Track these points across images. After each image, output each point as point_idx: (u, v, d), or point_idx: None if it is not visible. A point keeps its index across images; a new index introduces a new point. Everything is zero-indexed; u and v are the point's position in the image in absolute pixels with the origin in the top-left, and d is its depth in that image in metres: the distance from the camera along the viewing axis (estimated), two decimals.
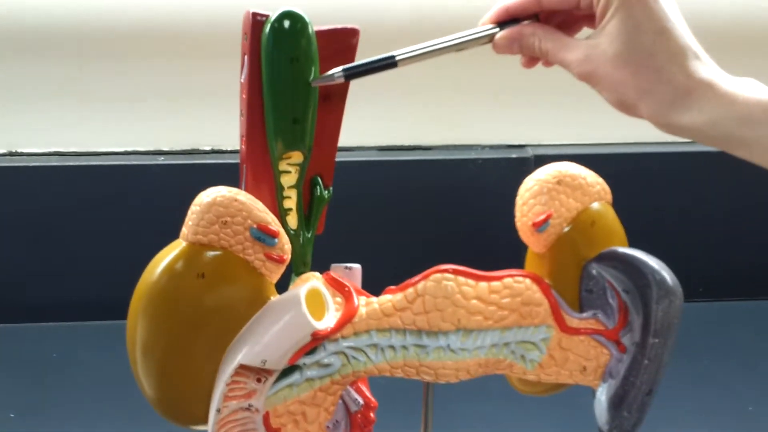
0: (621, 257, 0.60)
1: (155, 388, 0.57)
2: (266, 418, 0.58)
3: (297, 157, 0.60)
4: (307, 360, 0.57)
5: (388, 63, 0.57)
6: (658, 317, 0.58)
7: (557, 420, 1.03)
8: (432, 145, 1.15)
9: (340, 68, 0.57)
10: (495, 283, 0.58)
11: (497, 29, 0.58)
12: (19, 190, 1.12)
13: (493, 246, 1.13)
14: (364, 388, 0.61)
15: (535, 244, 0.62)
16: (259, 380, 0.57)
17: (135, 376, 0.57)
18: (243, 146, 0.59)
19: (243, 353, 0.55)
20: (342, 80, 0.57)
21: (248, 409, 0.57)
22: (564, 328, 0.60)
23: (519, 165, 1.11)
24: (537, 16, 0.58)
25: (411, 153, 1.14)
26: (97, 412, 1.04)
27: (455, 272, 0.58)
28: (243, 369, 0.56)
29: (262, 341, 0.56)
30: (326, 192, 0.62)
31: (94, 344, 1.16)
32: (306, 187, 0.61)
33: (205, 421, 0.58)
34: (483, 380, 0.60)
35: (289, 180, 0.60)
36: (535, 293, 0.59)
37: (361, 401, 0.60)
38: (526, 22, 0.58)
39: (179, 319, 0.55)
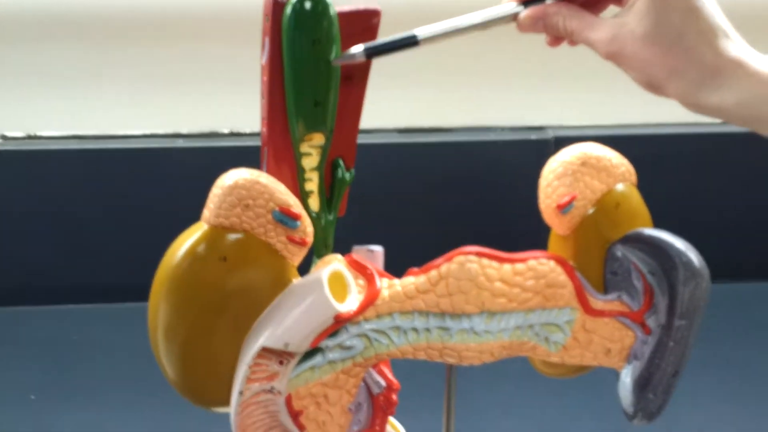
0: (647, 239, 0.59)
1: (178, 371, 0.57)
2: (288, 401, 0.57)
3: (318, 139, 0.59)
4: (330, 342, 0.57)
5: (410, 42, 0.57)
6: (685, 299, 0.58)
7: (579, 402, 1.02)
8: (452, 126, 1.14)
9: (361, 46, 0.57)
10: (519, 265, 0.58)
11: (521, 8, 0.57)
12: (37, 173, 1.13)
13: (513, 228, 1.13)
14: (386, 371, 0.61)
15: (558, 226, 0.61)
16: (281, 363, 0.56)
17: (157, 359, 0.57)
18: (264, 129, 0.59)
19: (265, 336, 0.55)
20: (363, 59, 0.57)
21: (270, 391, 0.57)
22: (588, 310, 0.60)
23: (539, 147, 1.10)
24: None
25: (431, 135, 1.13)
26: (117, 394, 1.04)
27: (479, 254, 0.57)
28: (265, 351, 0.56)
29: (285, 324, 0.55)
30: (348, 174, 0.61)
31: (113, 326, 1.16)
32: (327, 170, 0.61)
33: (227, 403, 0.57)
34: (503, 362, 0.60)
35: (310, 162, 0.60)
36: (560, 275, 0.59)
37: (383, 383, 0.60)
38: (550, 0, 0.57)
39: (201, 302, 0.55)
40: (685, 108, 0.54)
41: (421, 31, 0.57)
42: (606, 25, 0.55)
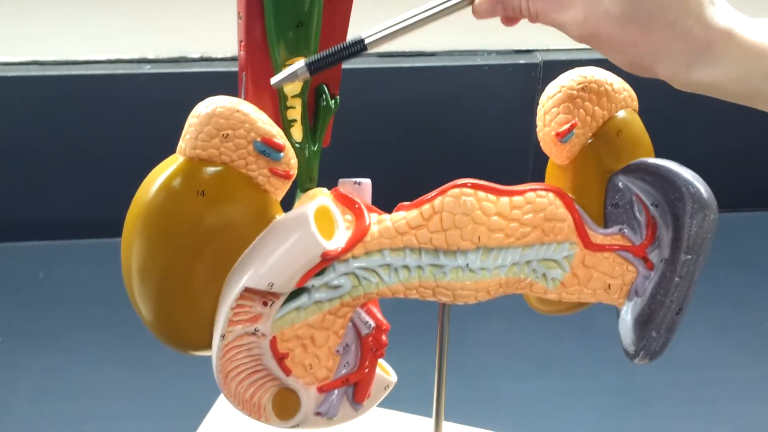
0: (651, 169, 0.57)
1: (154, 312, 0.54)
2: (273, 343, 0.55)
3: None
4: (316, 282, 0.54)
5: (357, 48, 0.52)
6: (692, 232, 0.56)
7: (573, 338, 1.02)
8: (436, 51, 1.11)
9: (302, 62, 0.51)
10: (517, 198, 0.55)
11: None
12: None
13: (500, 156, 1.11)
14: (375, 311, 0.59)
15: (557, 155, 0.58)
16: (265, 304, 0.54)
17: (131, 299, 0.55)
18: (242, 52, 0.56)
19: (248, 276, 0.53)
20: (307, 75, 0.52)
21: (254, 333, 0.55)
22: (588, 244, 0.57)
23: (527, 71, 1.07)
24: None
25: (414, 59, 1.10)
26: (87, 334, 1.03)
27: (474, 187, 0.54)
28: (248, 292, 0.53)
29: (268, 263, 0.53)
30: (333, 101, 0.59)
31: (81, 263, 1.14)
32: (311, 97, 0.58)
33: (207, 346, 0.55)
34: (494, 299, 0.58)
35: (293, 89, 0.57)
36: (559, 208, 0.56)
37: (372, 324, 0.58)
38: None
39: (178, 239, 0.53)
40: (675, 87, 0.50)
41: (368, 35, 0.52)
42: (576, 4, 0.49)
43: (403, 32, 0.52)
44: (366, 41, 0.51)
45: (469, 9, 0.53)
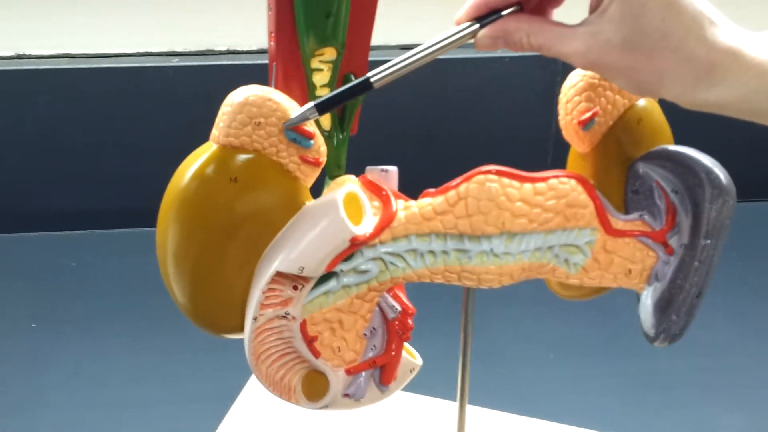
0: (671, 155, 0.57)
1: (188, 296, 0.55)
2: (303, 326, 0.56)
3: (330, 53, 0.57)
4: (344, 266, 0.55)
5: (364, 87, 0.52)
6: (711, 218, 0.56)
7: (593, 324, 1.02)
8: None
9: (311, 104, 0.53)
10: (540, 185, 0.56)
11: (477, 26, 0.52)
12: (28, 94, 1.10)
13: (520, 146, 1.11)
14: (401, 295, 0.59)
15: (579, 143, 0.59)
16: (295, 288, 0.55)
17: (166, 284, 0.56)
18: (272, 43, 0.57)
19: (279, 260, 0.54)
20: (316, 115, 0.53)
21: (285, 317, 0.56)
22: (609, 230, 0.58)
23: (547, 62, 1.07)
24: (520, 4, 0.52)
25: None
26: (118, 321, 1.04)
27: (499, 173, 0.55)
28: (279, 276, 0.54)
29: (299, 247, 0.54)
30: None
31: (112, 252, 1.15)
32: (339, 86, 0.59)
33: (239, 329, 0.56)
34: (514, 284, 0.59)
35: (321, 78, 0.58)
36: (580, 195, 0.57)
37: (398, 308, 0.58)
38: (508, 11, 0.52)
39: (211, 225, 0.53)
40: (681, 106, 0.50)
41: (374, 74, 0.52)
42: (577, 35, 0.50)
43: (407, 69, 0.53)
44: (372, 80, 0.52)
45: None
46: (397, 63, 0.52)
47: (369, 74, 0.52)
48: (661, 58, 0.48)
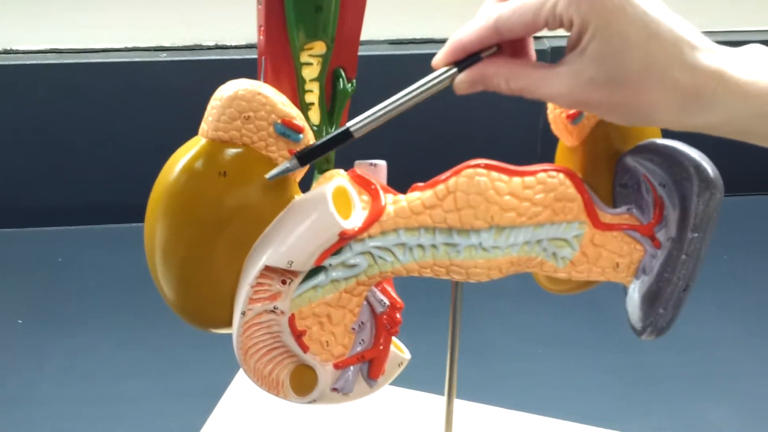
0: (659, 149, 0.57)
1: (176, 291, 0.55)
2: (291, 321, 0.56)
3: (319, 47, 0.57)
4: (333, 261, 0.55)
5: (344, 136, 0.53)
6: (699, 211, 0.56)
7: (581, 318, 1.03)
8: (446, 37, 1.11)
9: (294, 157, 0.53)
10: (528, 179, 0.56)
11: (455, 70, 0.52)
12: (15, 89, 1.10)
13: (508, 141, 1.11)
14: (390, 289, 0.60)
15: (568, 137, 0.59)
16: (284, 282, 0.55)
17: (154, 279, 0.56)
18: (261, 37, 0.56)
19: (268, 254, 0.54)
20: (298, 167, 0.53)
21: (273, 311, 0.56)
22: (597, 224, 0.58)
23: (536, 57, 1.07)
24: (498, 46, 0.52)
25: (425, 46, 1.11)
26: (106, 317, 1.04)
27: (488, 167, 0.55)
28: (268, 271, 0.54)
29: (288, 242, 0.54)
30: (350, 85, 0.59)
31: (99, 248, 1.15)
32: (328, 80, 0.59)
33: (227, 324, 0.56)
34: (502, 278, 0.59)
35: (311, 72, 0.57)
36: (569, 188, 0.57)
37: (386, 302, 0.59)
38: (486, 52, 0.51)
39: (200, 219, 0.53)
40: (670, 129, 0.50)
41: (353, 123, 0.53)
42: (559, 76, 0.49)
43: (387, 117, 0.53)
44: (352, 129, 0.52)
45: None
46: (376, 111, 0.52)
47: (349, 123, 0.52)
48: (646, 90, 0.47)
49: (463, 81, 0.52)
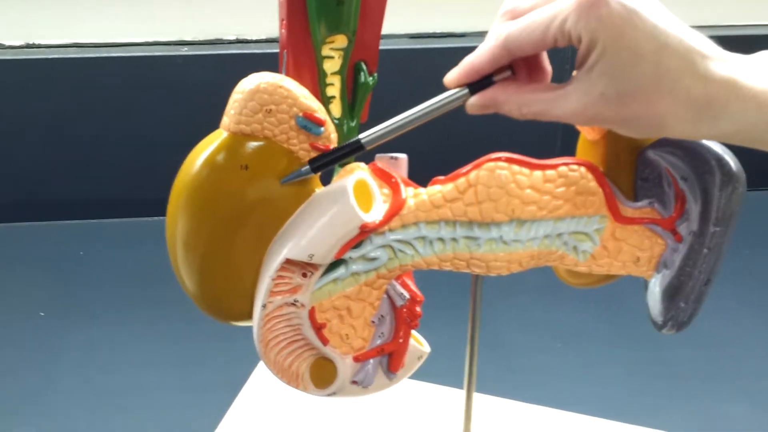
0: (681, 143, 0.57)
1: (197, 283, 0.55)
2: (311, 314, 0.56)
3: (341, 41, 0.57)
4: (353, 254, 0.55)
5: (355, 147, 0.53)
6: (721, 205, 0.56)
7: (599, 314, 1.02)
8: (465, 32, 1.11)
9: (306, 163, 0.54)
10: (549, 172, 0.56)
11: (466, 91, 0.52)
12: (38, 83, 1.10)
13: (528, 135, 1.11)
14: (410, 282, 0.60)
15: (589, 130, 0.59)
16: (304, 275, 0.55)
17: (176, 272, 0.56)
18: (283, 30, 0.57)
19: (289, 247, 0.54)
20: (311, 174, 0.54)
21: (294, 304, 0.56)
22: (618, 218, 0.58)
23: (555, 51, 1.07)
24: (511, 67, 0.52)
25: (445, 40, 1.10)
26: (126, 309, 1.04)
27: (509, 160, 0.55)
28: (288, 263, 0.54)
29: (309, 235, 0.54)
30: (371, 78, 0.59)
31: (120, 241, 1.16)
32: (349, 74, 0.59)
33: (248, 316, 0.56)
34: (520, 272, 0.59)
35: (332, 66, 0.58)
36: (590, 182, 0.57)
37: (406, 295, 0.59)
38: (499, 76, 0.52)
39: (221, 212, 0.54)
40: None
41: (365, 135, 0.53)
42: (569, 95, 0.49)
43: (397, 132, 0.53)
44: (363, 141, 0.53)
45: None
46: (388, 126, 0.53)
47: (360, 136, 0.53)
48: (658, 102, 0.47)
49: (474, 105, 0.52)
